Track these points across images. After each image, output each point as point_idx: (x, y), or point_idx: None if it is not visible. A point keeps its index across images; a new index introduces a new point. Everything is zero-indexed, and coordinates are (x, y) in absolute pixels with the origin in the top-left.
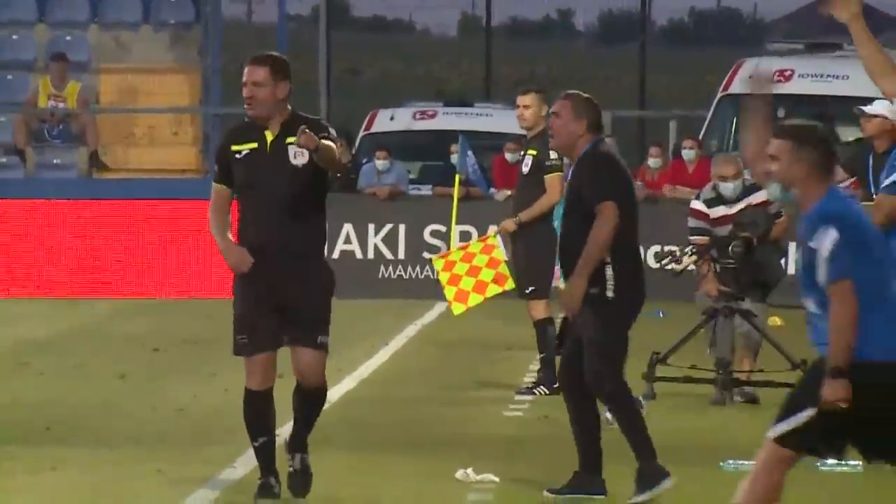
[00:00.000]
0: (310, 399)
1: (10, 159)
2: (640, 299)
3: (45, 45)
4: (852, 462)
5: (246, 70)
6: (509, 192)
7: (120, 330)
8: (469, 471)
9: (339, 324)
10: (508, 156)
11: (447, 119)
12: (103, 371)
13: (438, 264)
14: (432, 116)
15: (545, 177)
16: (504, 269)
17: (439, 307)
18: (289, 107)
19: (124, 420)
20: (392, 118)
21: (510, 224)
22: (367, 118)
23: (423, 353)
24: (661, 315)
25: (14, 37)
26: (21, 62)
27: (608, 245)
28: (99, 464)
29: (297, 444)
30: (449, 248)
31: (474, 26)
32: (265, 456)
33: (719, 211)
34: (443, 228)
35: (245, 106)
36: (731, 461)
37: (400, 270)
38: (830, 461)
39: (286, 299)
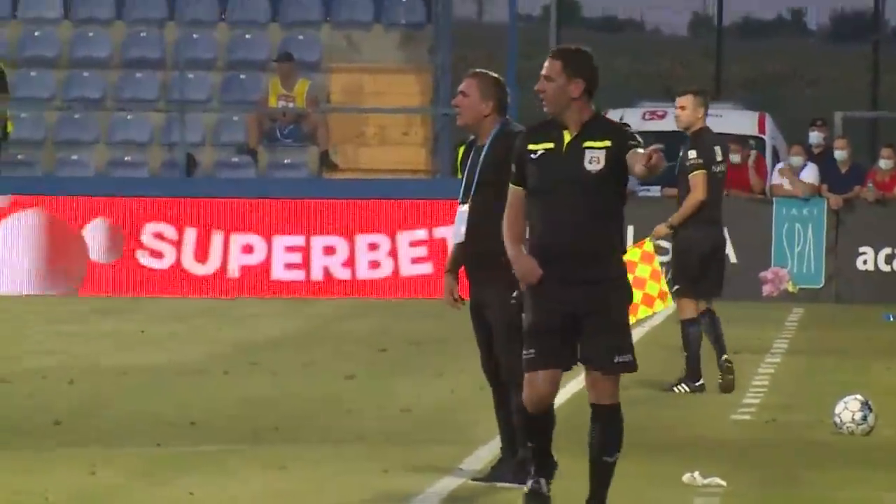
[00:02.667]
0: (603, 420)
1: (242, 158)
2: None
3: (278, 44)
4: None
5: (547, 64)
6: (741, 194)
7: (348, 329)
8: (696, 474)
9: None
10: (732, 157)
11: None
12: (331, 370)
13: None
14: (662, 117)
15: (689, 176)
16: (664, 283)
17: (666, 310)
18: (592, 108)
19: (351, 419)
20: (621, 118)
21: (662, 229)
22: None
23: (650, 355)
24: (891, 319)
25: (247, 36)
26: (254, 62)
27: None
28: (326, 463)
29: (594, 493)
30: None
31: (705, 25)
32: (540, 457)
33: None
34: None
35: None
36: None
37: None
38: None
39: (579, 311)
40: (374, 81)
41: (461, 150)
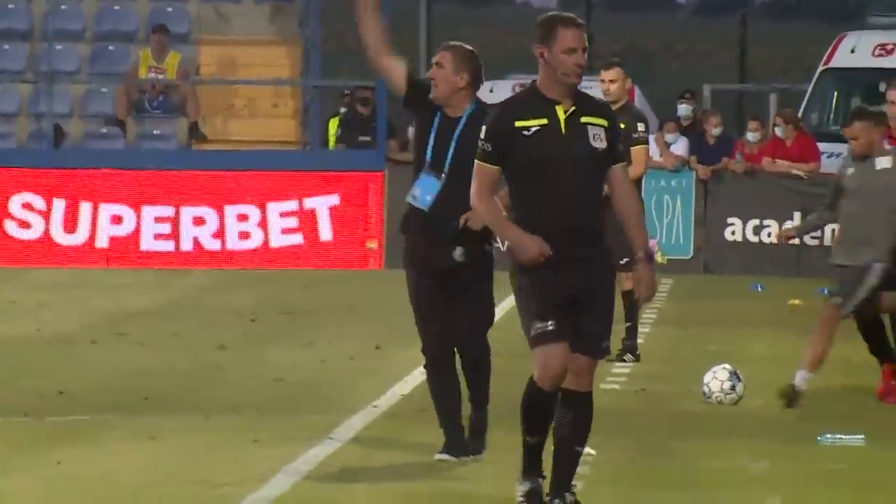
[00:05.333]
0: (580, 407)
1: (111, 129)
2: None
3: (147, 16)
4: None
5: (576, 34)
6: None
7: (218, 300)
8: None
9: None
10: None
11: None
12: (201, 341)
13: None
14: None
15: (632, 149)
16: None
17: None
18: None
19: (222, 390)
20: (491, 90)
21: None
22: None
23: (517, 324)
24: (759, 289)
25: (116, 7)
26: (123, 33)
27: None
28: (196, 433)
29: (560, 480)
30: None
31: None
32: (535, 454)
33: None
34: None
35: (573, 76)
36: (828, 434)
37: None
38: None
39: (579, 289)
40: (244, 54)
41: (334, 121)
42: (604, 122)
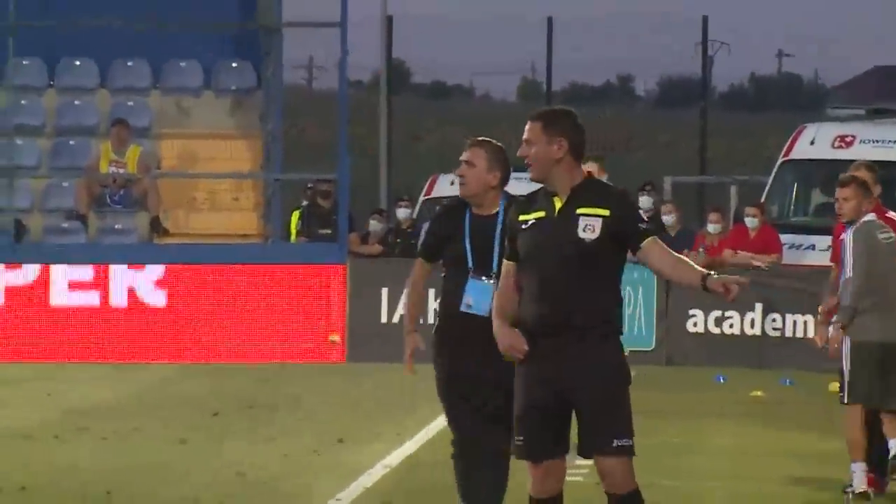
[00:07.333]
0: None
1: (72, 224)
2: None
3: (108, 110)
4: None
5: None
6: None
7: (179, 394)
8: None
9: (400, 386)
10: None
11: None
12: (163, 435)
13: None
14: None
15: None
16: None
17: None
18: (581, 170)
19: (184, 484)
20: (452, 183)
21: None
22: (428, 183)
23: None
24: (721, 381)
25: (76, 102)
26: (83, 128)
27: None
28: None
29: None
30: None
31: (534, 91)
32: None
33: None
34: None
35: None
36: None
37: None
38: None
39: (570, 390)
40: (205, 147)
41: (295, 214)
42: (604, 211)
